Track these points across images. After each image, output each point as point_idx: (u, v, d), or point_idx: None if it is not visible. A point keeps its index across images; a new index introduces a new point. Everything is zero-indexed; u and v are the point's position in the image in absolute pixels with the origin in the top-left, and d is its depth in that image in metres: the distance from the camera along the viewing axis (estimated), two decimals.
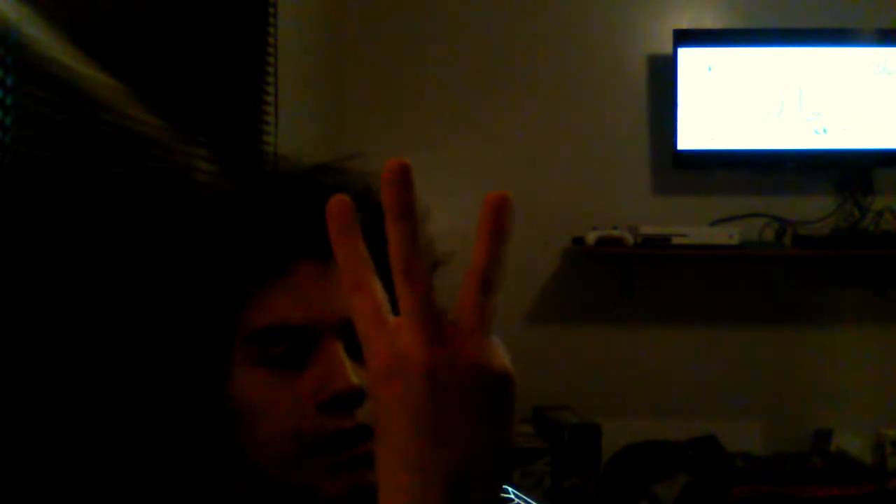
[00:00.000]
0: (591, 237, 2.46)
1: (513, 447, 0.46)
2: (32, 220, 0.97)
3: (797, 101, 2.56)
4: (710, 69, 2.56)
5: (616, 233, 2.46)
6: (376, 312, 0.45)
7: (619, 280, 2.65)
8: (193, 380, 0.68)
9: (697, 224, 2.58)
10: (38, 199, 1.00)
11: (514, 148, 2.71)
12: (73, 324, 0.98)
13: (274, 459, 0.65)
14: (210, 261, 0.69)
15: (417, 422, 0.44)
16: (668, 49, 2.58)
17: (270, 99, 1.85)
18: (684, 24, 2.65)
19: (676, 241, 2.46)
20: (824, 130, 2.56)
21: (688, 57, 2.56)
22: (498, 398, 0.45)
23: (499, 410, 0.45)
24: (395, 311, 0.46)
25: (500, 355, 0.46)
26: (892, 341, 2.68)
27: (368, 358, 0.46)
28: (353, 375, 0.64)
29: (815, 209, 2.67)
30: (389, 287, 0.46)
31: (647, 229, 2.48)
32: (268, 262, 0.67)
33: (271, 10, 1.87)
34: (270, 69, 1.86)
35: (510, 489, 0.80)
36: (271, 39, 1.87)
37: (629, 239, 2.46)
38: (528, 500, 0.82)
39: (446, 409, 0.44)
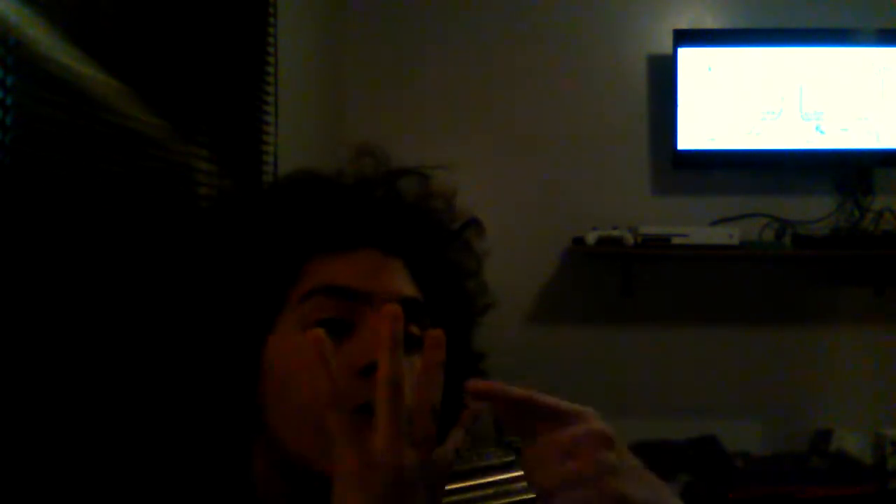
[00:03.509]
0: (591, 237, 2.46)
1: None
2: (32, 220, 0.98)
3: (797, 101, 2.56)
4: (710, 69, 2.56)
5: (616, 233, 2.46)
6: (354, 425, 0.56)
7: (619, 280, 2.65)
8: (232, 341, 0.69)
9: (697, 224, 2.58)
10: (38, 198, 1.00)
11: (514, 148, 2.71)
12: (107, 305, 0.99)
13: (299, 424, 0.65)
14: (275, 228, 0.72)
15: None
16: (668, 49, 2.58)
17: (270, 99, 1.85)
18: (684, 24, 2.65)
19: (676, 241, 2.46)
20: (824, 131, 2.56)
21: (688, 57, 2.56)
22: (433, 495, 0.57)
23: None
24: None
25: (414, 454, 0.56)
26: (892, 341, 2.68)
27: (337, 462, 0.55)
28: None
29: (815, 209, 2.67)
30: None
31: (647, 229, 2.48)
32: (334, 237, 0.71)
33: (271, 10, 1.87)
34: (270, 69, 1.86)
35: None
36: (271, 39, 1.87)
37: (629, 239, 2.46)
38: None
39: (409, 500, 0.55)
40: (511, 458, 1.92)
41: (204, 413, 0.69)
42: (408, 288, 0.71)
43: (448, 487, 0.63)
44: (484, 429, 0.72)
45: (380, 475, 0.54)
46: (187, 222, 0.87)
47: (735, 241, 2.47)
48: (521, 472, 1.90)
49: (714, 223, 2.63)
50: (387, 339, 0.56)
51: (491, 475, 1.82)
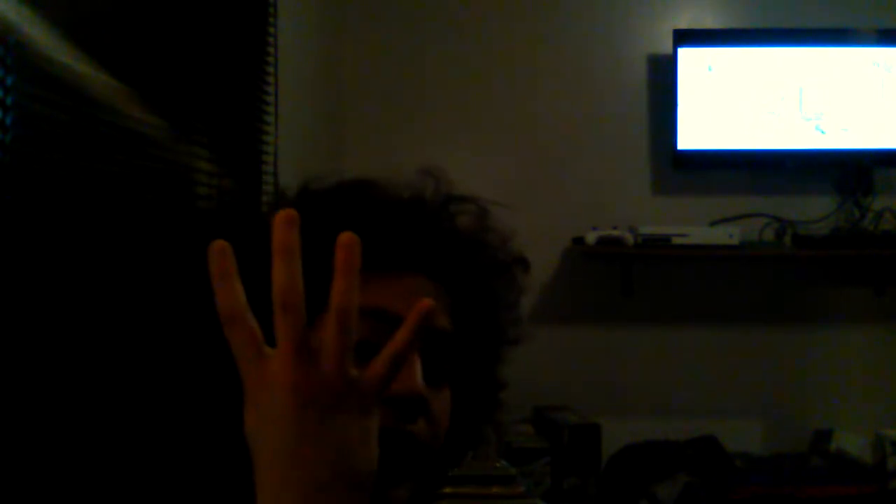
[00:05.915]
0: (591, 237, 2.46)
1: (371, 461, 0.51)
2: (32, 220, 0.98)
3: (797, 101, 2.56)
4: (710, 69, 2.56)
5: (616, 233, 2.46)
6: (252, 342, 0.49)
7: (619, 280, 2.65)
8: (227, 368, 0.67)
9: (697, 224, 2.58)
10: (38, 198, 1.00)
11: (514, 148, 2.71)
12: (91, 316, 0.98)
13: None
14: (323, 242, 0.69)
15: (281, 431, 0.48)
16: (668, 49, 2.58)
17: (270, 99, 1.85)
18: (684, 24, 2.65)
19: (676, 241, 2.46)
20: (824, 130, 2.56)
21: (688, 57, 2.56)
22: (352, 418, 0.50)
23: (353, 427, 0.50)
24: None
25: (367, 377, 0.51)
26: (892, 341, 2.68)
27: (244, 381, 0.50)
28: (420, 381, 0.62)
29: (815, 209, 2.67)
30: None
31: (647, 229, 2.48)
32: (380, 258, 0.67)
33: (271, 10, 1.87)
34: (270, 69, 1.86)
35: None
36: (271, 39, 1.87)
37: (629, 239, 2.46)
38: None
39: (308, 422, 0.48)
40: (513, 471, 1.92)
41: (210, 428, 0.68)
42: (440, 319, 0.69)
43: (447, 491, 0.61)
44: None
45: (277, 393, 0.48)
46: (213, 227, 0.84)
47: (735, 241, 2.47)
48: (523, 489, 1.89)
49: (714, 223, 2.63)
50: (279, 244, 0.48)
51: (492, 486, 1.81)
